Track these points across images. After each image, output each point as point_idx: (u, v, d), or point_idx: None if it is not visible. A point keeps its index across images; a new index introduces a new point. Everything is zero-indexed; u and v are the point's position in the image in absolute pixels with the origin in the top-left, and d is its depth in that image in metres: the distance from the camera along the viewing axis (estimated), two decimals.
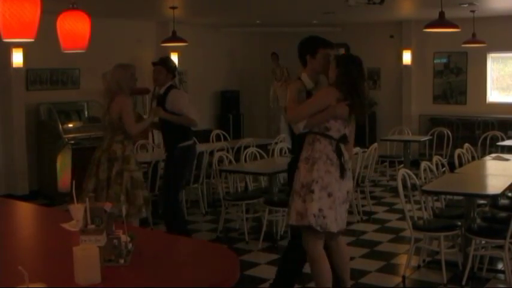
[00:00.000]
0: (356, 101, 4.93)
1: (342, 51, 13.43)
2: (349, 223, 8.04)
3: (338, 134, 4.95)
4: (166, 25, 12.04)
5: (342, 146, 4.95)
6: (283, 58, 14.24)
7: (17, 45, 10.03)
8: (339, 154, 4.92)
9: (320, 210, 4.85)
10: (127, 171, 6.17)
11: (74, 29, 4.30)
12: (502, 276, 6.29)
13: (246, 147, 9.30)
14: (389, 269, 6.57)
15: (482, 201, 7.05)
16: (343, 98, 4.91)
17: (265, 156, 9.06)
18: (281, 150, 9.30)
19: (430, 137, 11.61)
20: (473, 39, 11.02)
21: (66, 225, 3.79)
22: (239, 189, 8.83)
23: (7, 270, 3.02)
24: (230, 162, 8.52)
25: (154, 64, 7.28)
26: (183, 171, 7.14)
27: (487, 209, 7.10)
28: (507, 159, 8.02)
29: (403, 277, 6.24)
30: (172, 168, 7.08)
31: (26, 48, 10.22)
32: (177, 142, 6.99)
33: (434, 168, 7.10)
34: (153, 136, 11.16)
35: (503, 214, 6.77)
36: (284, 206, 7.33)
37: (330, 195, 4.89)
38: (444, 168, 7.48)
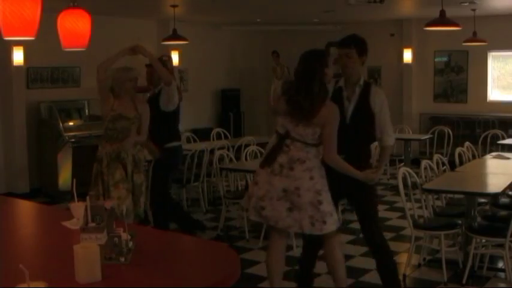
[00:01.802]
0: (292, 97, 4.91)
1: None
2: (349, 221, 8.08)
3: (282, 129, 4.97)
4: (166, 23, 12.04)
5: (289, 142, 4.90)
6: (284, 56, 14.25)
7: (18, 43, 10.03)
8: (274, 148, 4.97)
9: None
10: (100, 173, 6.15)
11: (75, 28, 4.31)
12: (502, 274, 6.29)
13: (246, 146, 9.29)
14: None
15: (482, 200, 7.06)
16: (282, 93, 5.05)
17: None
18: None
19: (431, 136, 11.60)
20: (474, 38, 11.02)
21: (66, 224, 3.79)
22: (240, 188, 8.83)
23: (8, 268, 3.03)
24: (231, 160, 8.52)
25: (147, 66, 7.29)
26: (168, 175, 7.15)
27: (487, 207, 7.10)
28: (508, 158, 8.02)
29: (404, 275, 6.23)
30: (157, 171, 7.08)
31: (26, 46, 10.22)
32: (162, 142, 6.97)
33: (434, 166, 7.10)
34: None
35: (503, 213, 6.77)
36: None
37: (255, 183, 5.03)
38: (445, 167, 7.48)
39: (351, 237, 7.51)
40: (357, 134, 5.16)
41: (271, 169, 4.92)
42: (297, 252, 7.13)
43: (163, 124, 6.99)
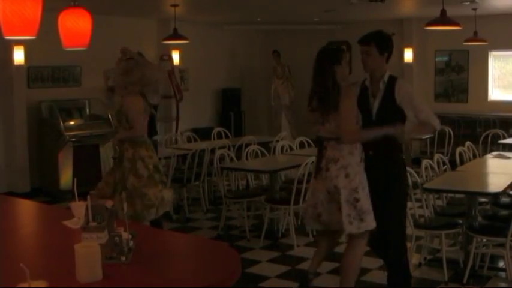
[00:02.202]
0: (315, 94, 5.17)
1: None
2: None
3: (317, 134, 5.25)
4: (167, 23, 12.04)
5: (326, 143, 5.12)
6: (285, 56, 14.24)
7: (19, 42, 10.03)
8: (317, 156, 5.23)
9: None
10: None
11: (76, 27, 4.30)
12: (503, 274, 6.29)
13: (247, 145, 9.30)
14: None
15: (483, 199, 7.06)
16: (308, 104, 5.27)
17: (267, 153, 9.05)
18: (282, 147, 9.30)
19: (432, 135, 11.58)
20: (475, 37, 11.02)
21: (67, 223, 3.79)
22: (240, 187, 8.83)
23: (9, 267, 3.03)
24: (231, 160, 8.53)
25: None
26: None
27: (488, 207, 7.10)
28: (508, 157, 8.01)
29: None
30: None
31: (27, 45, 10.22)
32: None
33: (435, 166, 7.09)
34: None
35: (504, 212, 6.77)
36: (285, 203, 7.36)
37: (311, 193, 5.28)
38: (445, 166, 7.48)
39: None
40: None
41: (317, 176, 5.17)
42: (298, 251, 7.14)
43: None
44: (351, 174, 5.00)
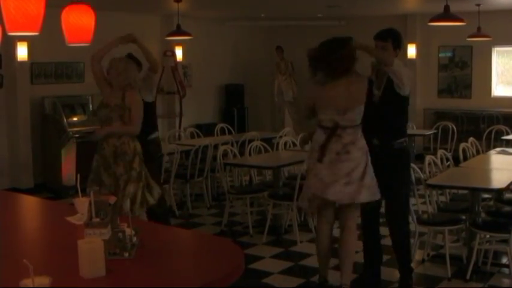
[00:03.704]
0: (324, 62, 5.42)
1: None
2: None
3: (329, 123, 5.36)
4: (170, 19, 12.04)
5: (340, 131, 5.30)
6: (288, 52, 14.23)
7: (22, 38, 10.04)
8: (326, 141, 5.34)
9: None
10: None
11: (79, 23, 4.31)
12: (506, 270, 6.29)
13: (250, 141, 9.30)
14: (394, 263, 6.55)
15: (486, 195, 7.05)
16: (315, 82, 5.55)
17: (270, 149, 9.06)
18: (286, 143, 9.30)
19: (435, 131, 11.58)
20: (478, 33, 11.00)
21: (70, 219, 3.79)
22: (243, 183, 8.84)
23: (12, 263, 3.03)
24: (235, 155, 8.52)
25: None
26: (153, 166, 6.83)
27: (491, 203, 7.09)
28: None
29: None
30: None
31: (30, 41, 10.23)
32: (145, 133, 6.87)
33: (438, 162, 7.09)
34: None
35: (507, 208, 6.77)
36: (288, 199, 7.36)
37: (315, 175, 5.40)
38: (449, 162, 7.47)
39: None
40: (386, 116, 5.51)
41: (329, 158, 5.27)
42: (301, 247, 7.14)
43: (145, 114, 6.96)
44: (367, 153, 5.30)
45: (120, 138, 5.98)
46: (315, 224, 7.53)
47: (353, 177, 5.23)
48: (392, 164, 5.53)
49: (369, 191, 5.29)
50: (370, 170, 5.31)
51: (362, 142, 5.32)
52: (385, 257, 6.29)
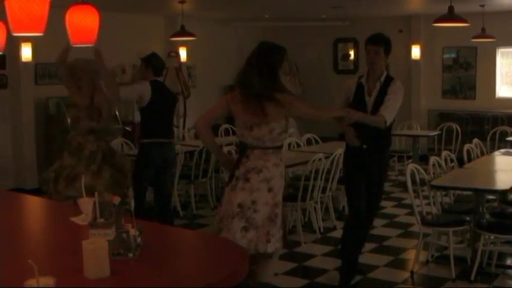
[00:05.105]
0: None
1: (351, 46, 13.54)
2: None
3: (240, 137, 4.96)
4: (174, 19, 12.03)
5: (249, 152, 4.73)
6: (292, 52, 14.20)
7: (26, 39, 10.05)
8: (234, 164, 4.84)
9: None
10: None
11: (83, 23, 4.30)
12: (511, 272, 6.29)
13: None
14: (398, 264, 6.57)
15: (491, 197, 7.04)
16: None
17: None
18: (290, 144, 9.30)
19: (439, 132, 11.58)
20: (483, 34, 10.99)
21: (75, 219, 3.80)
22: None
23: (17, 263, 3.04)
24: None
25: (142, 59, 7.23)
26: (139, 172, 6.84)
27: (496, 204, 7.08)
28: None
29: (412, 272, 6.24)
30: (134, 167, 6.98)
31: (35, 42, 10.25)
32: (141, 137, 6.95)
33: (443, 163, 7.08)
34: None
35: None
36: (292, 200, 7.35)
37: (220, 203, 4.91)
38: (453, 163, 7.46)
39: None
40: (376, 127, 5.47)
41: (231, 185, 4.75)
42: (305, 248, 7.14)
43: (141, 119, 7.04)
44: (274, 188, 4.69)
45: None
46: (319, 225, 7.56)
47: (244, 218, 4.64)
48: (380, 168, 5.76)
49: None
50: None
51: (271, 173, 4.71)
52: (388, 258, 6.29)
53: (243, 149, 4.77)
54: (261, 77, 4.69)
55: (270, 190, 4.64)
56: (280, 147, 4.78)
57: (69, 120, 6.30)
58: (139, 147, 7.11)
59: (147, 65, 6.93)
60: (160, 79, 7.08)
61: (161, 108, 6.85)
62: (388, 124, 5.49)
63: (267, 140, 4.65)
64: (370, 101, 5.58)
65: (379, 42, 5.58)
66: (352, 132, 5.51)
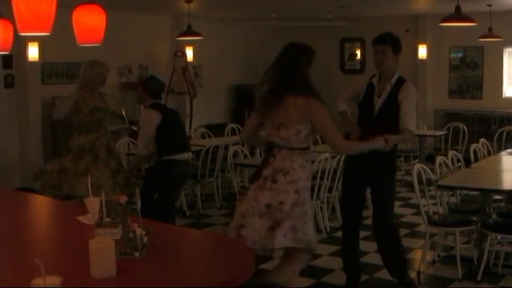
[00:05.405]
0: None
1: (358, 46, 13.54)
2: (364, 217, 8.06)
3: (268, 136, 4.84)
4: (181, 19, 12.04)
5: (276, 151, 4.68)
6: None
7: (33, 39, 10.07)
8: (261, 162, 4.84)
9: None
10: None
11: (90, 23, 4.31)
12: None
13: None
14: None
15: (498, 197, 7.02)
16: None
17: None
18: None
19: (446, 132, 11.55)
20: (490, 34, 10.96)
21: (82, 218, 3.81)
22: None
23: (24, 262, 3.05)
24: (245, 156, 8.53)
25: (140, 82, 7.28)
26: (154, 185, 6.76)
27: (503, 204, 7.06)
28: None
29: (418, 272, 6.23)
30: (146, 178, 7.00)
31: (41, 42, 10.27)
32: (159, 155, 6.80)
33: (449, 163, 7.07)
34: None
35: None
36: None
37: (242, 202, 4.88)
38: (460, 163, 7.45)
39: (366, 233, 7.49)
40: (383, 128, 5.16)
41: (257, 183, 4.72)
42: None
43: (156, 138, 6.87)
44: (301, 190, 4.65)
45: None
46: (326, 225, 7.56)
47: (272, 219, 4.62)
48: (382, 172, 5.45)
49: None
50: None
51: (298, 175, 4.66)
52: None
53: (270, 148, 4.77)
54: (287, 78, 4.70)
55: (296, 191, 4.63)
56: (307, 148, 4.73)
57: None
58: (156, 163, 6.96)
59: (144, 88, 6.80)
60: (160, 101, 6.97)
61: (172, 126, 6.75)
62: (415, 133, 5.46)
63: (293, 141, 4.64)
64: (378, 102, 5.38)
65: (385, 42, 5.37)
66: (357, 132, 5.36)
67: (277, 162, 4.65)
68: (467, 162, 7.72)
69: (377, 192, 5.63)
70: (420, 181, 6.29)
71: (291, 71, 4.71)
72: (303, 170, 4.69)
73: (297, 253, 4.77)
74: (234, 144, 9.05)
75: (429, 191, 6.84)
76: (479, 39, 11.24)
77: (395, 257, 5.64)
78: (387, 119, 5.32)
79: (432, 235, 6.36)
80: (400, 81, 5.40)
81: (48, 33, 3.51)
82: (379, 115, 5.37)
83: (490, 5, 10.65)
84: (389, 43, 5.37)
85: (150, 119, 6.60)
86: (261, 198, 4.63)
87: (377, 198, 5.64)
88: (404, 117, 5.27)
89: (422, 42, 13.68)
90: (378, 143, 4.92)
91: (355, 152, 5.05)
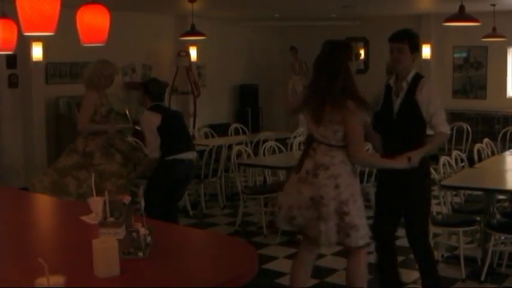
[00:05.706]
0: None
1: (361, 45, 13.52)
2: (367, 218, 8.06)
3: (308, 130, 4.86)
4: (185, 19, 12.06)
5: (316, 145, 4.69)
6: (302, 52, 14.22)
7: (37, 38, 10.09)
8: (302, 152, 4.86)
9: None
10: (92, 166, 6.49)
11: (94, 23, 4.31)
12: None
13: (264, 141, 9.30)
14: (408, 264, 6.54)
15: (501, 197, 7.01)
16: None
17: (284, 150, 9.05)
18: (300, 143, 9.29)
19: (450, 132, 11.52)
20: (494, 33, 10.95)
21: (85, 218, 3.81)
22: (257, 183, 8.82)
23: (27, 262, 3.05)
24: (249, 156, 8.53)
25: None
26: (157, 185, 6.71)
27: (506, 204, 7.06)
28: None
29: None
30: (150, 178, 6.93)
31: (45, 41, 10.28)
32: (162, 155, 6.78)
33: (453, 163, 7.06)
34: None
35: None
36: None
37: (285, 193, 4.85)
38: (463, 163, 7.44)
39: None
40: (404, 130, 5.05)
41: (299, 176, 4.73)
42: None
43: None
44: (341, 186, 4.60)
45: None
46: None
47: (322, 211, 4.63)
48: (411, 181, 5.09)
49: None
50: None
51: (338, 170, 4.63)
52: (398, 258, 6.26)
53: (310, 140, 4.76)
54: (323, 78, 4.67)
55: (337, 187, 4.60)
56: (346, 146, 4.68)
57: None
58: (159, 163, 6.91)
59: (144, 91, 6.80)
60: (162, 103, 6.95)
61: (173, 126, 6.73)
62: (449, 133, 5.24)
63: (331, 139, 4.63)
64: (396, 101, 5.09)
65: (402, 39, 5.06)
66: (378, 140, 5.07)
67: (318, 157, 4.66)
68: (471, 162, 7.71)
69: (411, 210, 5.26)
70: None
71: (329, 69, 4.68)
72: (344, 166, 4.65)
73: (352, 252, 4.85)
74: (238, 144, 9.05)
75: (433, 191, 6.81)
76: (483, 39, 11.23)
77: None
78: (407, 119, 5.07)
79: (436, 235, 6.36)
80: (417, 77, 5.10)
81: (52, 33, 3.52)
82: (398, 114, 5.08)
83: (493, 5, 10.64)
84: (407, 41, 5.06)
85: (149, 121, 6.60)
86: (304, 191, 4.66)
87: (411, 215, 5.29)
88: (432, 120, 5.01)
89: (426, 42, 13.64)
90: (399, 162, 4.76)
91: (366, 165, 5.01)
